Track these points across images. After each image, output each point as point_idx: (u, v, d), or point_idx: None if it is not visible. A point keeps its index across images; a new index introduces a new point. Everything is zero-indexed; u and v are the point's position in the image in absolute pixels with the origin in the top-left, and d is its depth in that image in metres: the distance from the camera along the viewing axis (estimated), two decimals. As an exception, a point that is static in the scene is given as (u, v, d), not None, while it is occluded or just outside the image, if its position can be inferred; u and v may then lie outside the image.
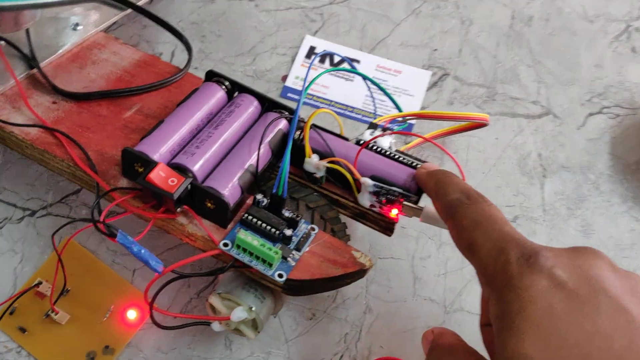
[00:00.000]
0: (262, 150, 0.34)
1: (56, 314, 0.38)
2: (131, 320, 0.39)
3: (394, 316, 0.40)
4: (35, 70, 0.38)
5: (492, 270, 0.26)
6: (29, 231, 0.42)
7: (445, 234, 0.43)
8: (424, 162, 0.37)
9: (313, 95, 0.47)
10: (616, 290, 0.24)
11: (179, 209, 0.33)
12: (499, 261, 0.26)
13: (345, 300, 0.41)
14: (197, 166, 0.33)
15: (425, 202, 0.36)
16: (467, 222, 0.28)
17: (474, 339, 0.39)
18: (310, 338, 0.40)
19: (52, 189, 0.43)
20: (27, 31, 0.38)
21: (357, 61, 0.49)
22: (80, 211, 0.43)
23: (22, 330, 0.39)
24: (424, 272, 0.42)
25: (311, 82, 0.35)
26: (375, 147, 0.37)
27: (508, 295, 0.25)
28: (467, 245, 0.28)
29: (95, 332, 0.39)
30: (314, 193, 0.37)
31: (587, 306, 0.24)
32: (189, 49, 0.43)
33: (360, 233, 0.43)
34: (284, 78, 0.48)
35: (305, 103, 0.47)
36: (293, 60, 0.49)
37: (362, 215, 0.37)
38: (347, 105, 0.47)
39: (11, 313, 0.39)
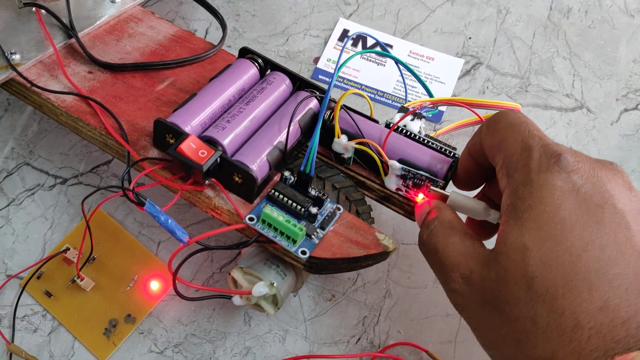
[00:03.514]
0: (291, 128, 0.34)
1: (81, 280, 0.39)
2: (154, 291, 0.40)
3: (414, 302, 0.40)
4: (73, 40, 0.39)
5: (515, 165, 0.27)
6: (60, 199, 0.43)
7: (470, 223, 0.43)
8: (453, 148, 0.36)
9: (344, 79, 0.47)
10: (625, 207, 0.25)
11: (207, 182, 0.33)
12: (523, 156, 0.27)
13: (365, 284, 0.41)
14: (227, 140, 0.33)
15: (452, 188, 0.36)
16: (502, 124, 0.29)
17: (494, 329, 0.39)
18: (328, 319, 0.40)
19: (85, 158, 0.44)
20: (67, 1, 0.39)
21: (390, 46, 0.49)
22: (110, 181, 0.43)
23: (48, 294, 0.40)
24: (446, 260, 0.42)
25: (344, 63, 0.35)
26: (405, 131, 0.37)
27: (523, 191, 0.26)
28: (498, 143, 0.29)
29: (118, 300, 0.40)
30: (340, 174, 0.37)
31: (593, 215, 0.25)
32: (223, 26, 0.43)
33: (385, 217, 0.42)
34: (316, 60, 0.48)
35: (335, 86, 0.47)
36: (326, 42, 0.49)
37: (387, 199, 0.37)
38: (377, 90, 0.47)
39: (38, 277, 0.40)
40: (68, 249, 0.40)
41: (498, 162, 0.28)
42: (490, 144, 0.29)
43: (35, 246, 0.41)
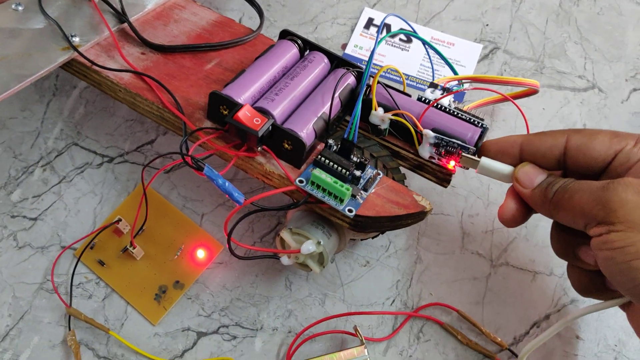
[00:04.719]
0: (334, 100, 0.37)
1: (134, 248, 0.42)
2: (200, 259, 0.43)
3: (443, 267, 0.43)
4: (125, 25, 0.42)
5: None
6: (107, 176, 0.46)
7: (492, 194, 0.46)
8: (481, 119, 0.39)
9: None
10: None
11: (259, 149, 0.36)
12: None
13: (397, 251, 0.44)
14: (277, 110, 0.36)
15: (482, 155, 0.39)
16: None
17: (519, 290, 0.42)
18: (364, 283, 0.43)
19: (129, 138, 0.47)
20: (118, -11, 0.42)
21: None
22: (154, 161, 0.46)
23: (101, 263, 0.42)
24: (472, 228, 0.45)
25: (382, 39, 0.38)
26: (436, 105, 0.40)
27: None
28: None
29: (166, 268, 0.42)
30: (377, 144, 0.39)
31: None
32: (260, 13, 0.46)
33: (412, 189, 0.45)
34: (344, 46, 0.51)
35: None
36: (352, 30, 0.52)
37: (421, 167, 0.40)
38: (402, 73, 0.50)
39: (92, 248, 0.43)
40: (120, 219, 0.43)
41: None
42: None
43: (86, 219, 0.44)
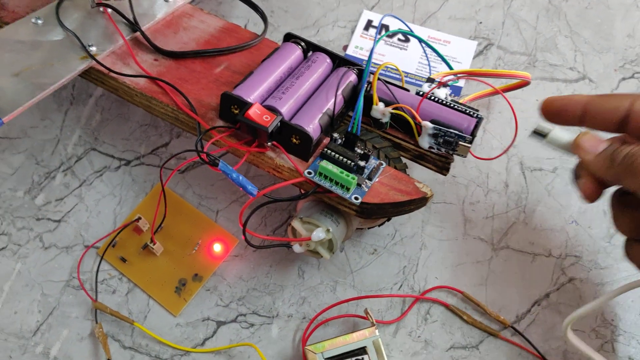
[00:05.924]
0: (338, 97, 0.40)
1: (154, 245, 0.44)
2: (217, 252, 0.45)
3: (447, 252, 0.45)
4: (137, 34, 0.45)
5: None
6: (125, 178, 0.48)
7: (492, 182, 0.48)
8: (476, 110, 0.42)
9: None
10: None
11: (269, 144, 0.38)
12: None
13: (403, 239, 0.46)
14: (285, 108, 0.39)
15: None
16: None
17: (519, 271, 0.44)
18: (372, 270, 0.45)
19: (144, 142, 0.50)
20: (130, 1, 0.45)
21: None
22: (169, 162, 0.49)
23: (123, 260, 0.45)
24: (473, 215, 0.47)
25: (380, 38, 0.40)
26: (433, 98, 0.42)
27: None
28: None
29: (185, 262, 0.45)
30: (379, 137, 0.42)
31: None
32: (264, 18, 0.49)
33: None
34: (345, 47, 0.54)
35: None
36: (352, 32, 0.55)
37: (421, 157, 0.42)
38: (400, 70, 0.52)
39: (113, 246, 0.45)
40: (140, 218, 0.45)
41: None
42: None
43: (106, 219, 0.46)
